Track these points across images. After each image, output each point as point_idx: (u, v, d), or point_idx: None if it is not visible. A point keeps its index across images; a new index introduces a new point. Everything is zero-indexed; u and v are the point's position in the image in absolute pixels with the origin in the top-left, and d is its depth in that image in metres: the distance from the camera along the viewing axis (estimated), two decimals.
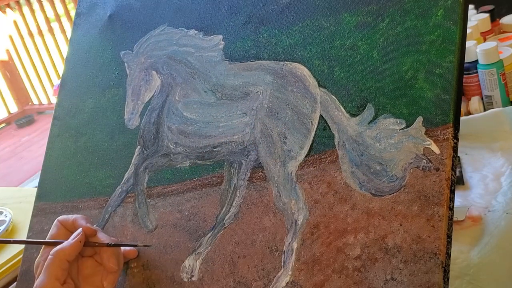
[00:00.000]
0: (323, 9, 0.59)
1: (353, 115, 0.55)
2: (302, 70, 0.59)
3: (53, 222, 0.75)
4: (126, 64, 0.74)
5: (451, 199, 0.48)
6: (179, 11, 0.71)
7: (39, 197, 0.79)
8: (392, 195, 0.51)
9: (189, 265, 0.61)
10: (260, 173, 0.59)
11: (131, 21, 0.76)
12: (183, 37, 0.69)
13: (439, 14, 0.51)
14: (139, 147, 0.70)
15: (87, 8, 0.82)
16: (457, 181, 0.73)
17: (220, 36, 0.66)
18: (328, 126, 0.56)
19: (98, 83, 0.77)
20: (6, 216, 1.10)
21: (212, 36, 0.67)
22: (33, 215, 0.79)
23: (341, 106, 0.55)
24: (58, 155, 0.79)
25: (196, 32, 0.68)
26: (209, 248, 0.61)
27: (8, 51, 4.61)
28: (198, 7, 0.69)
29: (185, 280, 0.61)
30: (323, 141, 0.56)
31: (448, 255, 0.47)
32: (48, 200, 0.78)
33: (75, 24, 0.83)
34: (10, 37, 4.50)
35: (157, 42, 0.72)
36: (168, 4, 0.72)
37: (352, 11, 0.56)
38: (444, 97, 0.49)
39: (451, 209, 0.48)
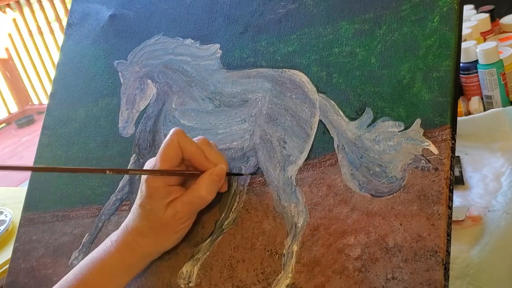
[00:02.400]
0: (321, 17, 0.60)
1: (352, 119, 0.56)
2: (301, 76, 0.60)
3: (41, 231, 0.75)
4: (120, 73, 0.75)
5: (450, 198, 0.49)
6: (174, 20, 0.72)
7: (27, 207, 0.78)
8: (392, 195, 0.52)
9: (187, 271, 0.61)
10: (260, 178, 0.60)
11: (125, 31, 0.76)
12: (179, 46, 0.70)
13: (435, 20, 0.53)
14: (134, 155, 0.70)
15: (79, 18, 0.83)
16: (457, 181, 0.74)
17: (217, 45, 0.67)
18: (327, 130, 0.57)
19: (90, 92, 0.77)
20: (6, 216, 1.10)
21: (209, 45, 0.68)
22: (20, 226, 0.78)
23: (340, 111, 0.57)
24: (48, 165, 0.78)
25: (193, 41, 0.69)
26: (208, 253, 0.61)
27: (8, 50, 4.57)
28: (194, 17, 0.71)
29: (182, 286, 0.61)
30: (323, 145, 0.57)
31: (448, 252, 0.48)
32: (36, 210, 0.77)
33: (66, 34, 0.84)
34: (10, 35, 4.46)
35: (152, 52, 0.73)
36: (163, 14, 0.73)
37: (350, 19, 0.58)
38: (441, 99, 0.51)
39: (450, 208, 0.49)
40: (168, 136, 0.57)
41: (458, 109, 0.73)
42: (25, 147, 3.88)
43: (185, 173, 0.59)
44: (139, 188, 0.58)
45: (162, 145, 0.57)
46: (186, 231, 0.60)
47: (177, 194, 0.57)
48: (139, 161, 0.69)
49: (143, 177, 0.57)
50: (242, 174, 0.62)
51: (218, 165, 0.58)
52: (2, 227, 1.06)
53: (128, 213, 0.68)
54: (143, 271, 0.64)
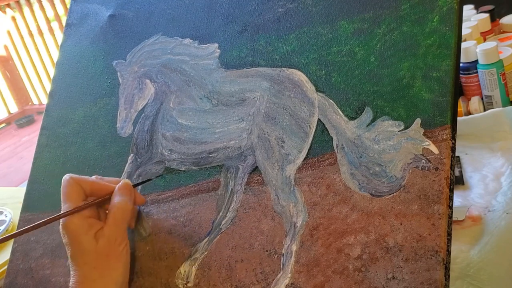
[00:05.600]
0: (320, 17, 0.60)
1: (352, 118, 0.56)
2: (300, 76, 0.60)
3: (40, 232, 0.74)
4: (118, 73, 0.74)
5: (451, 198, 0.49)
6: (173, 20, 0.72)
7: (26, 208, 0.78)
8: (392, 195, 0.52)
9: (185, 271, 0.61)
10: (258, 177, 0.60)
11: (124, 31, 0.76)
12: (178, 46, 0.70)
13: (435, 20, 0.53)
14: (132, 154, 0.70)
15: (78, 19, 0.83)
16: (457, 181, 0.74)
17: (216, 44, 0.67)
18: (327, 130, 0.57)
19: (89, 93, 0.77)
20: (6, 216, 1.09)
21: (207, 45, 0.68)
22: (18, 226, 0.77)
23: (339, 110, 0.56)
24: (46, 165, 0.78)
25: (191, 41, 0.69)
26: (205, 253, 0.60)
27: (7, 49, 4.58)
28: (193, 17, 0.70)
29: (181, 286, 0.61)
30: (322, 144, 0.57)
31: (448, 252, 0.48)
32: (35, 210, 0.76)
33: (65, 34, 0.83)
34: (9, 32, 4.46)
35: (151, 51, 0.72)
36: (162, 14, 0.73)
37: (349, 18, 0.58)
38: (441, 99, 0.51)
39: (450, 207, 0.49)
40: (63, 179, 0.61)
41: (458, 109, 0.73)
42: (25, 147, 3.90)
43: (96, 201, 0.61)
44: (65, 245, 0.60)
45: (61, 189, 0.60)
46: (128, 255, 0.61)
47: (99, 225, 0.59)
48: (137, 161, 0.69)
49: (60, 229, 0.59)
50: (150, 180, 0.67)
51: (121, 181, 0.63)
52: (2, 227, 1.05)
53: None
54: (140, 271, 0.64)
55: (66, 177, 0.61)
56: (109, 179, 0.65)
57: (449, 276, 0.48)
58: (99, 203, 0.62)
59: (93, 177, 0.64)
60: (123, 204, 0.61)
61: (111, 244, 0.58)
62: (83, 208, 0.59)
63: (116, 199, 0.61)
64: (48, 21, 4.29)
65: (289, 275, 0.55)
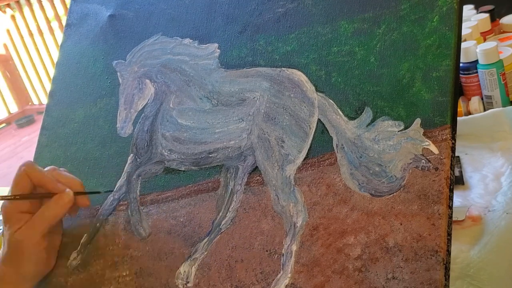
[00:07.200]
0: (320, 17, 0.60)
1: (351, 118, 0.56)
2: (299, 76, 0.60)
3: None
4: (118, 74, 0.74)
5: (451, 198, 0.49)
6: (173, 20, 0.72)
7: None
8: (392, 195, 0.52)
9: (184, 271, 0.61)
10: (258, 177, 0.60)
11: (124, 31, 0.76)
12: (178, 46, 0.70)
13: (434, 20, 0.53)
14: (132, 155, 0.70)
15: (78, 19, 0.83)
16: (457, 181, 0.74)
17: (216, 44, 0.67)
18: (326, 130, 0.57)
19: (89, 93, 0.77)
20: None
21: (207, 45, 0.68)
22: None
23: (339, 110, 0.56)
24: (46, 165, 0.77)
25: (191, 41, 0.69)
26: (205, 253, 0.60)
27: (7, 49, 4.58)
28: (193, 17, 0.70)
29: (180, 286, 0.61)
30: (322, 144, 0.57)
31: (448, 252, 0.48)
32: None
33: (65, 34, 0.83)
34: (8, 32, 4.47)
35: (151, 51, 0.72)
36: (162, 14, 0.73)
37: (349, 18, 0.58)
38: (441, 99, 0.51)
39: (450, 207, 0.49)
40: (19, 166, 0.64)
41: (458, 109, 0.73)
42: (25, 147, 3.91)
43: (37, 195, 0.64)
44: None
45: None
46: (48, 263, 0.67)
47: (25, 221, 0.62)
48: (137, 161, 0.69)
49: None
50: (99, 192, 0.69)
51: (66, 189, 0.64)
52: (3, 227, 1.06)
53: (125, 213, 0.68)
54: (140, 271, 0.64)
55: (21, 165, 0.64)
56: (67, 176, 0.66)
57: (449, 276, 0.48)
58: (34, 197, 0.64)
59: (50, 168, 0.66)
60: (50, 212, 0.63)
61: (27, 243, 0.62)
62: (15, 198, 0.63)
63: (50, 205, 0.63)
64: (48, 21, 4.29)
65: (289, 275, 0.55)
